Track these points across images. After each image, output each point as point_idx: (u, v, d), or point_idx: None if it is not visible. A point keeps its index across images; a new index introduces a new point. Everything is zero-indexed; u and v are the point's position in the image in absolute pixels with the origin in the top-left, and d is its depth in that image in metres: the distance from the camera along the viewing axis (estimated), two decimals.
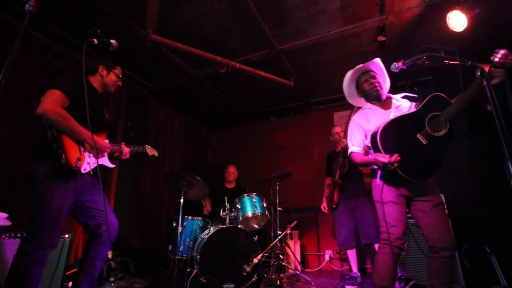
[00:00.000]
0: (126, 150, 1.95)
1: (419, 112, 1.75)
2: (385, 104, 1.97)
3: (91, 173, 1.74)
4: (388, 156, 1.61)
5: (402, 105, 1.93)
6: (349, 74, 2.09)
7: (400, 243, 1.71)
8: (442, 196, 2.90)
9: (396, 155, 1.59)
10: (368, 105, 2.03)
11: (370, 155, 1.83)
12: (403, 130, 1.74)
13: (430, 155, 1.70)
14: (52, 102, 1.54)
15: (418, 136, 1.70)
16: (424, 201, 1.73)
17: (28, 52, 2.82)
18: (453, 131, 1.69)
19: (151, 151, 2.31)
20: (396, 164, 1.59)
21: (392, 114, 1.89)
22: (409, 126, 1.74)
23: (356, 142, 1.96)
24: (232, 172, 4.08)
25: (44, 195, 1.51)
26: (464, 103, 1.63)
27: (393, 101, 1.96)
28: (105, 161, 1.88)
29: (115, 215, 1.86)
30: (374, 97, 1.98)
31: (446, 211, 2.85)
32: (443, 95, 1.74)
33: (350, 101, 2.19)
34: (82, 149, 1.68)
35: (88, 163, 1.70)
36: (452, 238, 1.65)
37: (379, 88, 1.94)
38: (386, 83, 2.03)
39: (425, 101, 1.77)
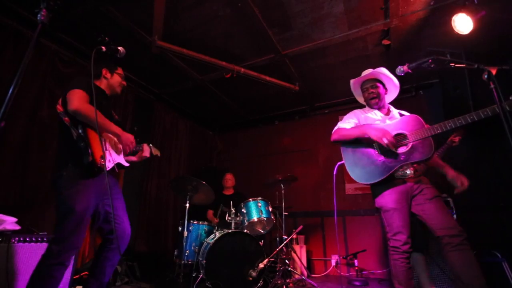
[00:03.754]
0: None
1: (389, 126, 1.89)
2: (385, 112, 2.09)
3: (116, 170, 1.77)
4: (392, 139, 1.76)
5: (395, 117, 2.03)
6: (352, 81, 2.23)
7: (407, 247, 1.74)
8: (451, 201, 2.87)
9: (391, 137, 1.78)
10: (368, 108, 2.16)
11: (359, 127, 1.96)
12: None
13: (378, 165, 1.84)
14: (80, 99, 1.60)
15: (375, 144, 1.87)
16: (422, 194, 1.80)
17: (38, 60, 2.88)
18: (414, 154, 1.77)
19: (155, 150, 2.26)
20: (388, 143, 1.75)
21: (388, 121, 1.99)
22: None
23: (346, 122, 2.08)
24: (229, 178, 4.12)
25: (69, 199, 1.55)
26: (435, 132, 1.69)
27: (392, 114, 2.06)
28: (121, 158, 1.88)
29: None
30: (371, 106, 2.10)
31: (455, 215, 2.81)
32: (420, 118, 1.84)
33: (360, 100, 2.31)
34: (104, 147, 1.71)
35: (110, 160, 1.72)
36: (456, 223, 1.68)
37: (377, 99, 2.05)
38: (390, 91, 2.14)
39: (401, 118, 1.94)
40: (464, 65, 1.54)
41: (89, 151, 1.57)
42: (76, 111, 1.57)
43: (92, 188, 1.63)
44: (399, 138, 1.84)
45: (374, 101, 2.05)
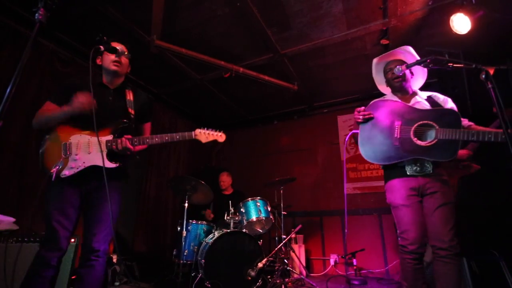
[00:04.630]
0: (123, 144, 1.61)
1: (420, 112, 1.73)
2: (408, 98, 1.90)
3: (65, 174, 1.57)
4: (362, 108, 1.81)
5: (422, 103, 1.86)
6: (375, 60, 2.05)
7: (415, 247, 1.64)
8: None
9: (368, 113, 1.79)
10: (390, 95, 1.99)
11: None
12: (391, 114, 1.78)
13: (392, 150, 1.71)
14: (37, 114, 1.65)
15: (397, 127, 1.72)
16: (434, 198, 1.69)
17: (36, 59, 2.87)
18: (434, 151, 1.62)
19: (206, 135, 1.75)
20: (361, 118, 1.78)
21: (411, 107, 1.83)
22: (399, 115, 1.76)
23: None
24: (223, 180, 4.05)
25: (46, 202, 1.58)
26: (469, 138, 1.55)
27: (417, 97, 1.90)
28: (96, 160, 1.59)
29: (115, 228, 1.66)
30: (396, 89, 1.93)
31: (452, 225, 2.81)
32: (458, 115, 1.65)
33: (380, 88, 2.14)
34: (68, 152, 1.59)
35: (72, 167, 1.58)
36: (450, 239, 1.60)
37: (401, 79, 1.87)
38: (417, 76, 1.98)
39: (437, 108, 1.76)
40: (462, 65, 1.54)
41: (40, 161, 1.60)
42: (34, 127, 1.64)
43: (67, 192, 1.57)
44: (424, 130, 1.68)
45: (397, 80, 1.87)
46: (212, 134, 1.77)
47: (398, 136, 1.70)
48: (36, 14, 1.10)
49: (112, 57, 1.71)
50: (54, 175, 1.55)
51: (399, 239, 1.74)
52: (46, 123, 1.63)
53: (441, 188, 1.70)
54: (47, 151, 1.62)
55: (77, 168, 1.58)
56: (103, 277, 1.62)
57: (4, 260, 1.87)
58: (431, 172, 1.71)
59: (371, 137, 1.79)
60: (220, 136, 1.80)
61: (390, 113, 1.78)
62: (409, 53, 1.93)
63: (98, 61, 1.78)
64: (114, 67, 1.73)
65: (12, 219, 2.11)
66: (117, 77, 1.79)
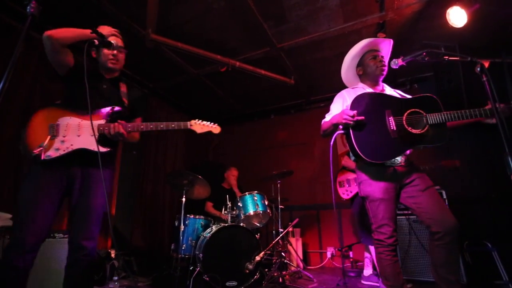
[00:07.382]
0: (116, 128, 1.53)
1: (404, 101, 1.75)
2: (378, 89, 1.94)
3: (48, 156, 1.46)
4: (353, 112, 1.63)
5: (392, 93, 1.91)
6: (355, 50, 2.02)
7: (392, 241, 1.66)
8: (444, 193, 2.91)
9: (360, 117, 1.63)
10: (361, 85, 1.97)
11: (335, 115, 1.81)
12: (378, 106, 1.73)
13: (392, 143, 1.65)
14: None
15: (390, 119, 1.69)
16: (413, 185, 1.69)
17: (29, 53, 2.83)
18: (429, 137, 1.63)
19: (201, 126, 1.72)
20: (352, 121, 1.62)
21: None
22: (386, 106, 1.72)
23: (329, 114, 1.99)
24: (234, 174, 4.09)
25: (21, 188, 1.50)
26: (455, 118, 1.59)
27: (386, 89, 1.94)
28: (87, 143, 1.51)
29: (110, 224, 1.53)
30: (375, 77, 1.92)
31: (447, 206, 2.86)
32: (437, 99, 1.69)
33: (345, 80, 2.17)
34: (56, 133, 1.50)
35: (58, 148, 1.47)
36: (455, 219, 1.55)
37: (385, 71, 1.88)
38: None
39: (416, 96, 1.76)
40: (457, 58, 1.54)
41: (21, 139, 1.47)
42: (45, 39, 1.51)
43: (47, 177, 1.46)
44: (413, 118, 1.67)
45: (384, 68, 1.86)
46: (207, 125, 1.74)
47: (395, 129, 1.66)
48: (28, 7, 1.09)
49: (109, 54, 1.67)
50: (42, 155, 1.43)
51: (374, 233, 1.71)
52: (66, 32, 1.51)
53: (418, 174, 1.71)
54: (30, 132, 1.48)
55: (64, 150, 1.47)
56: (90, 274, 1.48)
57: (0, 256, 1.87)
58: (404, 161, 1.73)
59: (366, 135, 1.70)
60: (215, 128, 1.76)
61: (376, 106, 1.73)
62: (389, 48, 1.94)
63: (93, 54, 1.72)
64: (110, 65, 1.70)
65: (8, 215, 2.10)
66: (113, 72, 1.77)
